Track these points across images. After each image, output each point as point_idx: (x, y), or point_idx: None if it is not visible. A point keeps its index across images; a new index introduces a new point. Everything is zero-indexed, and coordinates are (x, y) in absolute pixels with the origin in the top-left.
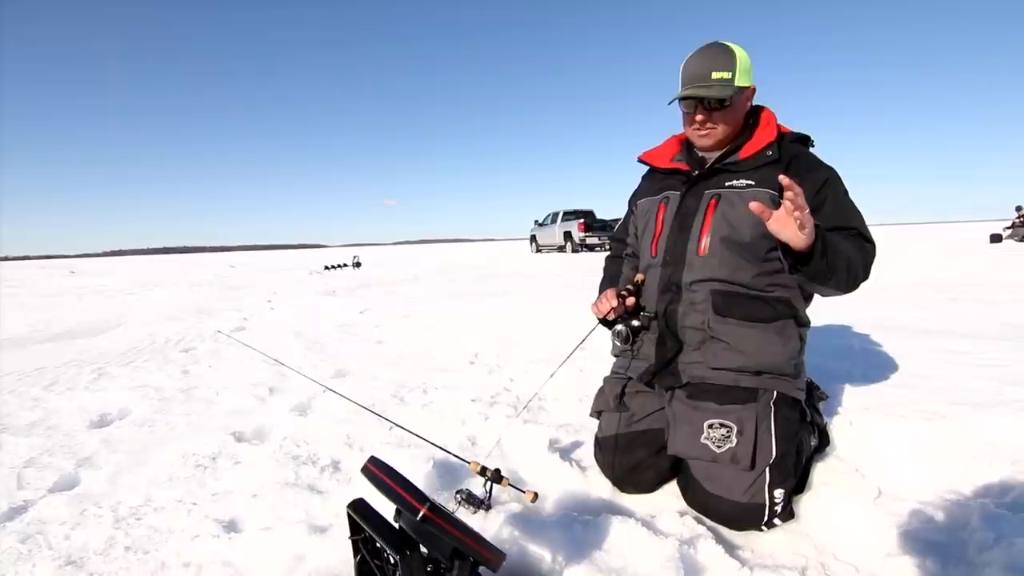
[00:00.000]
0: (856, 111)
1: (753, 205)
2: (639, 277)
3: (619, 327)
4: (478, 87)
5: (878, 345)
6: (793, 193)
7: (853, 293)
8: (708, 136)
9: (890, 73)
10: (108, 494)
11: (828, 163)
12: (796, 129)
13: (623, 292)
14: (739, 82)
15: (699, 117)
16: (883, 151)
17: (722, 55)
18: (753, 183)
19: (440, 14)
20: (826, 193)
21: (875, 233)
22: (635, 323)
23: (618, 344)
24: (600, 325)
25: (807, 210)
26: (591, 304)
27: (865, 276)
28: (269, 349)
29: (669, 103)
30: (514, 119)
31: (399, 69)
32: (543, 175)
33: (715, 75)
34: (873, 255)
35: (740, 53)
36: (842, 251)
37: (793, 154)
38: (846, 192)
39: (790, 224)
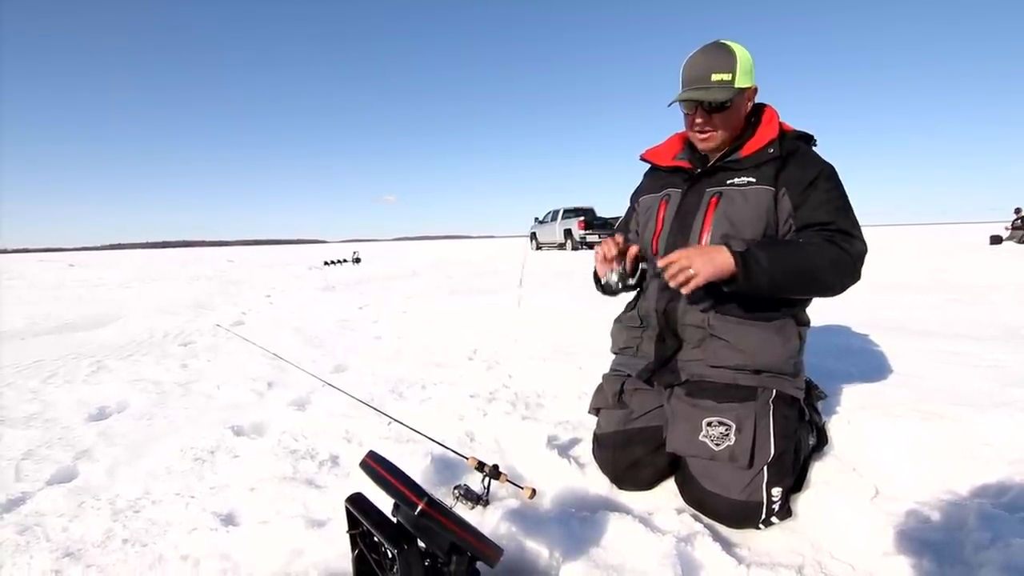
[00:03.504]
0: (857, 112)
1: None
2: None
3: (615, 272)
4: (479, 83)
5: (877, 345)
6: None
7: (855, 292)
8: (709, 139)
9: (890, 73)
10: (106, 487)
11: (829, 162)
12: (799, 129)
13: (626, 246)
14: (740, 83)
15: (699, 120)
16: (883, 152)
17: (723, 56)
18: (754, 180)
19: (440, 11)
20: (813, 189)
21: (874, 234)
22: (632, 277)
23: (613, 280)
24: (603, 279)
25: (677, 266)
26: (595, 251)
27: (842, 277)
28: (268, 344)
29: (668, 105)
30: (515, 116)
31: (400, 65)
32: (544, 172)
33: (715, 77)
34: (854, 254)
35: (741, 54)
36: (790, 263)
37: (791, 150)
38: (838, 189)
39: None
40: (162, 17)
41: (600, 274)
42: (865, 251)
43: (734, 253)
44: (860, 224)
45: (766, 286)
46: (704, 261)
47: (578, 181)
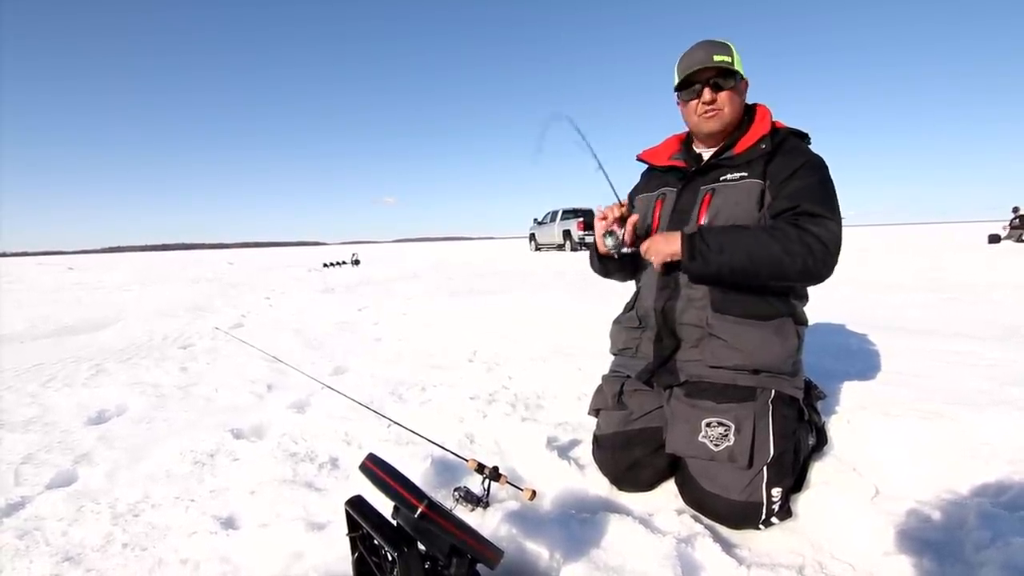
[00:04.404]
0: (854, 111)
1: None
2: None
3: (613, 236)
4: (478, 84)
5: (876, 344)
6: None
7: (853, 291)
8: (716, 117)
9: (891, 73)
10: (106, 491)
11: (818, 155)
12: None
13: (628, 213)
14: (737, 68)
15: (707, 96)
16: (882, 152)
17: (718, 45)
18: (746, 175)
19: (439, 11)
20: (792, 179)
21: (872, 234)
22: (629, 247)
23: (610, 243)
24: (601, 243)
25: (647, 250)
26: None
27: (805, 258)
28: (267, 346)
29: (676, 88)
30: (514, 117)
31: (399, 66)
32: (543, 173)
33: (716, 58)
34: (821, 235)
35: (733, 46)
36: (744, 244)
37: (781, 144)
38: (817, 177)
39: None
40: (160, 19)
41: (598, 236)
42: (837, 233)
43: (683, 235)
44: (839, 212)
45: (716, 269)
46: (661, 245)
47: (577, 182)
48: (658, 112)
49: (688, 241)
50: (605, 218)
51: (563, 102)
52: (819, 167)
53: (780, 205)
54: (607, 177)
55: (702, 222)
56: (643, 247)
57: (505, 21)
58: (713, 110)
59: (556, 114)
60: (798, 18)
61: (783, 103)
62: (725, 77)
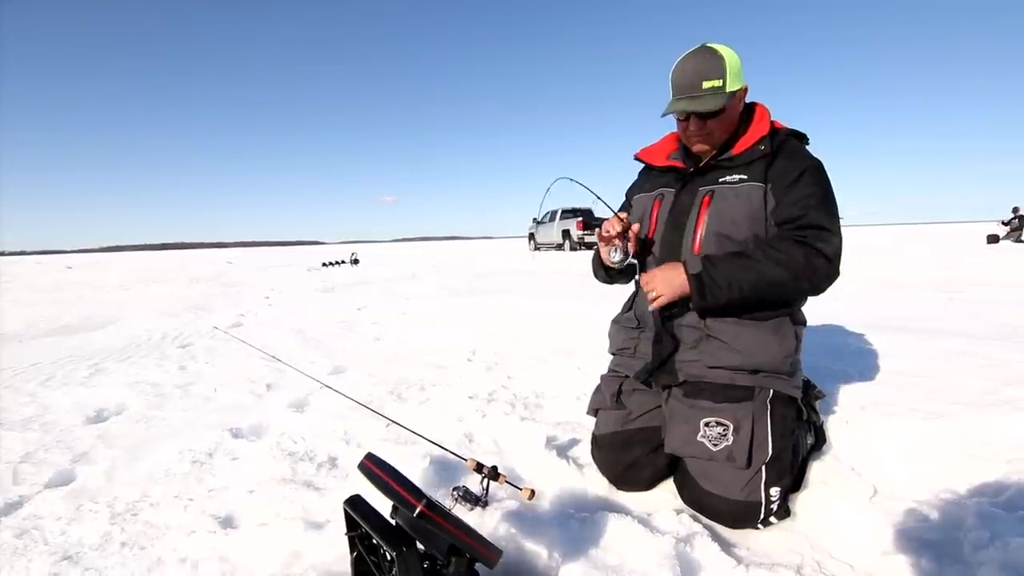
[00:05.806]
0: (852, 109)
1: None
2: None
3: (618, 250)
4: (478, 83)
5: (875, 344)
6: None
7: (853, 291)
8: (704, 141)
9: (883, 72)
10: (104, 490)
11: (817, 158)
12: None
13: (628, 224)
14: (730, 87)
15: (692, 127)
16: (879, 150)
17: (711, 61)
18: (746, 177)
19: (438, 10)
20: (796, 184)
21: (871, 234)
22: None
23: (616, 258)
24: (606, 258)
25: (646, 287)
26: (597, 232)
27: (812, 279)
28: (266, 345)
29: (662, 115)
30: (513, 116)
31: (399, 66)
32: (541, 172)
33: (706, 84)
34: (827, 253)
35: (729, 57)
36: (751, 277)
37: (781, 146)
38: (821, 185)
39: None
40: (159, 18)
41: (603, 253)
42: (839, 247)
43: (689, 275)
44: (839, 219)
45: (726, 303)
46: (664, 284)
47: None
48: (655, 108)
49: (696, 281)
50: (607, 233)
51: (562, 102)
52: (822, 173)
53: (786, 212)
54: (608, 206)
55: (701, 223)
56: (642, 282)
57: (505, 20)
58: (702, 135)
59: (559, 179)
60: (791, 14)
61: (778, 100)
62: (713, 109)
